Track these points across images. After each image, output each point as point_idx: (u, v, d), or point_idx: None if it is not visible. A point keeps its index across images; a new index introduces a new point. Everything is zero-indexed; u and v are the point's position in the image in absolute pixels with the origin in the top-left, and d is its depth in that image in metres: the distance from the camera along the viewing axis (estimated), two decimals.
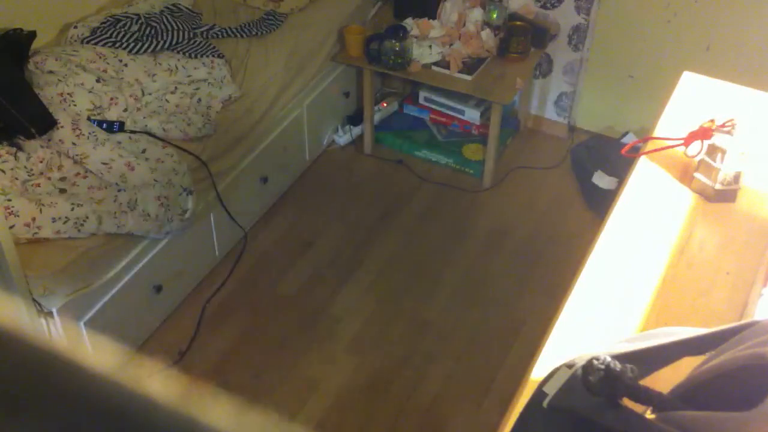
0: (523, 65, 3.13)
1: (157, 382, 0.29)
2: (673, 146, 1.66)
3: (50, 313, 2.09)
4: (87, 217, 2.14)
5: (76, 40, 2.75)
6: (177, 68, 2.73)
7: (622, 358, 0.75)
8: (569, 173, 3.35)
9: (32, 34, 2.54)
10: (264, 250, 2.92)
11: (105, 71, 2.62)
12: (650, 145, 1.70)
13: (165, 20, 2.90)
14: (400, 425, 2.34)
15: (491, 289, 2.79)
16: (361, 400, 2.40)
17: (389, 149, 3.44)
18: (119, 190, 2.26)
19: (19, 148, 2.30)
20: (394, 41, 3.02)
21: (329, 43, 3.17)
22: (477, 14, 3.19)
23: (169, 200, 2.33)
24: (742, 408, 0.69)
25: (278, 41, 3.00)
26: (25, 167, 2.27)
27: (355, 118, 3.45)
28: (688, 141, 1.60)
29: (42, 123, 2.34)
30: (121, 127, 2.49)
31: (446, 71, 3.07)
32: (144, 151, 2.42)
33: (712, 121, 1.60)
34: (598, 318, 1.30)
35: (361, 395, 2.42)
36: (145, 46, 2.75)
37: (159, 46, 2.77)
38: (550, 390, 0.79)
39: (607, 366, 0.71)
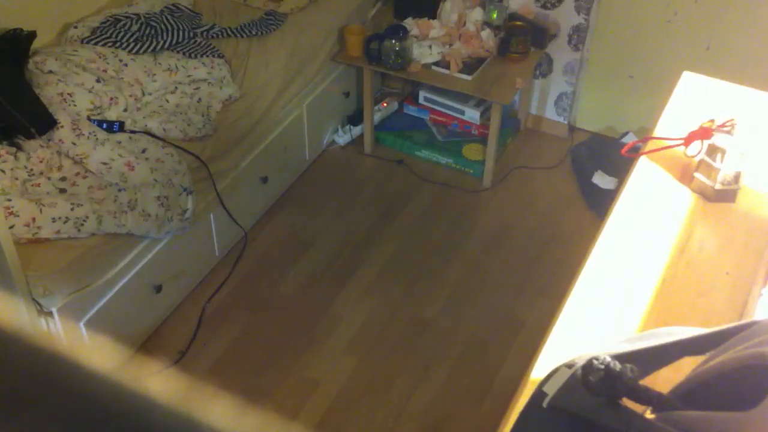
0: (523, 65, 3.13)
1: (157, 382, 0.29)
2: (673, 146, 1.66)
3: (50, 313, 2.09)
4: (87, 217, 2.14)
5: (76, 40, 2.75)
6: (177, 68, 2.73)
7: (622, 358, 0.75)
8: (569, 173, 3.35)
9: (32, 34, 2.54)
10: (264, 250, 2.92)
11: (105, 71, 2.62)
12: (650, 145, 1.70)
13: (165, 20, 2.90)
14: (400, 425, 2.34)
15: (491, 289, 2.79)
16: (361, 400, 2.40)
17: (389, 149, 3.44)
18: (119, 190, 2.26)
19: (19, 148, 2.30)
20: (394, 41, 3.02)
21: (329, 43, 3.17)
22: (477, 14, 3.19)
23: (169, 200, 2.33)
24: (742, 408, 0.69)
25: (278, 41, 3.00)
26: (25, 167, 2.27)
27: (355, 118, 3.45)
28: (688, 141, 1.61)
29: (42, 123, 2.34)
30: (121, 127, 2.49)
31: (446, 71, 3.07)
32: (144, 151, 2.42)
33: (712, 121, 1.60)
34: (598, 318, 1.30)
35: (361, 395, 2.42)
36: (145, 46, 2.75)
37: (159, 46, 2.77)
38: (550, 390, 0.79)
39: (607, 366, 0.71)
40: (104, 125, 2.46)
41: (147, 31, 2.83)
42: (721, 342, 0.82)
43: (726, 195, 1.55)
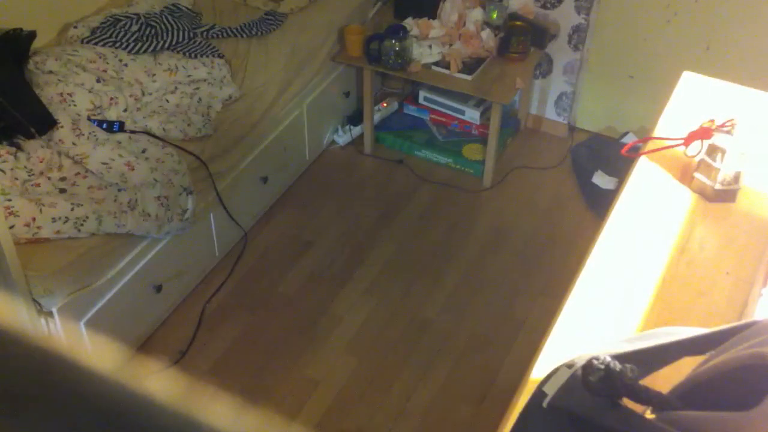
0: (523, 65, 3.13)
1: (157, 382, 0.29)
2: (673, 146, 1.66)
3: (50, 313, 2.09)
4: (87, 217, 2.14)
5: (76, 40, 2.75)
6: (177, 68, 2.73)
7: (622, 358, 0.75)
8: (569, 173, 3.35)
9: (32, 34, 2.54)
10: (264, 250, 2.92)
11: (105, 71, 2.62)
12: (650, 145, 1.70)
13: (165, 20, 2.90)
14: (400, 425, 2.34)
15: (491, 289, 2.79)
16: (361, 400, 2.40)
17: (389, 149, 3.44)
18: (119, 190, 2.26)
19: (19, 148, 2.30)
20: (394, 41, 3.02)
21: (329, 43, 3.17)
22: (477, 14, 3.19)
23: (169, 200, 2.33)
24: (742, 408, 0.69)
25: (278, 41, 3.00)
26: (25, 167, 2.27)
27: (355, 118, 3.45)
28: (688, 141, 1.61)
29: (42, 123, 2.34)
30: (121, 127, 2.49)
31: (446, 71, 3.07)
32: (144, 151, 2.42)
33: (712, 121, 1.60)
34: (598, 318, 1.30)
35: (361, 395, 2.42)
36: (145, 46, 2.75)
37: (159, 46, 2.77)
38: (550, 390, 0.79)
39: (607, 366, 0.71)
40: (104, 125, 2.46)
41: (147, 31, 2.83)
42: (721, 342, 0.82)
43: (726, 195, 1.55)
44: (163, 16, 2.93)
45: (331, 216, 3.09)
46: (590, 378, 0.72)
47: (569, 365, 0.79)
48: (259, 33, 3.01)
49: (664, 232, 1.48)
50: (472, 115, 3.36)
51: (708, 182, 1.55)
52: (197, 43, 2.87)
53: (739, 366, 0.75)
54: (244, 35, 3.00)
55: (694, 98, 1.85)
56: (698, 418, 0.73)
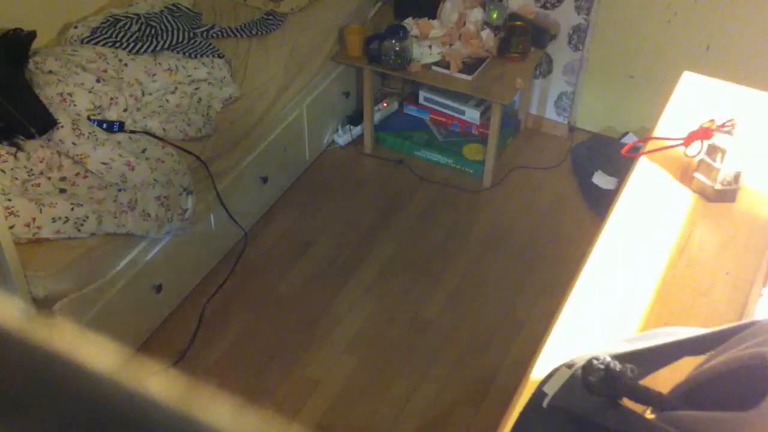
0: (523, 65, 3.13)
1: (157, 382, 0.29)
2: (673, 146, 1.66)
3: (50, 313, 2.09)
4: (87, 217, 2.14)
5: (76, 40, 2.75)
6: (177, 68, 2.73)
7: (622, 358, 0.75)
8: (569, 173, 3.35)
9: (32, 34, 2.54)
10: (264, 250, 2.92)
11: (105, 71, 2.62)
12: (650, 145, 1.70)
13: (165, 20, 2.90)
14: (400, 425, 2.34)
15: (491, 289, 2.79)
16: (360, 400, 2.40)
17: (389, 149, 3.44)
18: (119, 190, 2.26)
19: (19, 148, 2.30)
20: (394, 41, 3.02)
21: (329, 43, 3.17)
22: (477, 14, 3.19)
23: (169, 200, 2.33)
24: (742, 408, 0.69)
25: (278, 41, 3.00)
26: (25, 167, 2.27)
27: (355, 118, 3.45)
28: (688, 141, 1.60)
29: (42, 123, 2.34)
30: (121, 127, 2.49)
31: (446, 71, 3.07)
32: (144, 151, 2.42)
33: (712, 121, 1.60)
34: (598, 318, 1.30)
35: (361, 395, 2.42)
36: (145, 46, 2.75)
37: (159, 46, 2.77)
38: (550, 390, 0.79)
39: (607, 366, 0.71)
40: (104, 125, 2.46)
41: (147, 31, 2.83)
42: (721, 342, 0.82)
43: (726, 195, 1.55)
44: (163, 16, 2.93)
45: (331, 216, 3.09)
46: (590, 378, 0.72)
47: (569, 365, 0.79)
48: (259, 33, 3.01)
49: (664, 232, 1.48)
50: (472, 115, 3.36)
51: (708, 182, 1.55)
52: (197, 43, 2.87)
53: (739, 366, 0.75)
54: (244, 35, 3.00)
55: (694, 98, 1.85)
56: (698, 418, 0.73)
